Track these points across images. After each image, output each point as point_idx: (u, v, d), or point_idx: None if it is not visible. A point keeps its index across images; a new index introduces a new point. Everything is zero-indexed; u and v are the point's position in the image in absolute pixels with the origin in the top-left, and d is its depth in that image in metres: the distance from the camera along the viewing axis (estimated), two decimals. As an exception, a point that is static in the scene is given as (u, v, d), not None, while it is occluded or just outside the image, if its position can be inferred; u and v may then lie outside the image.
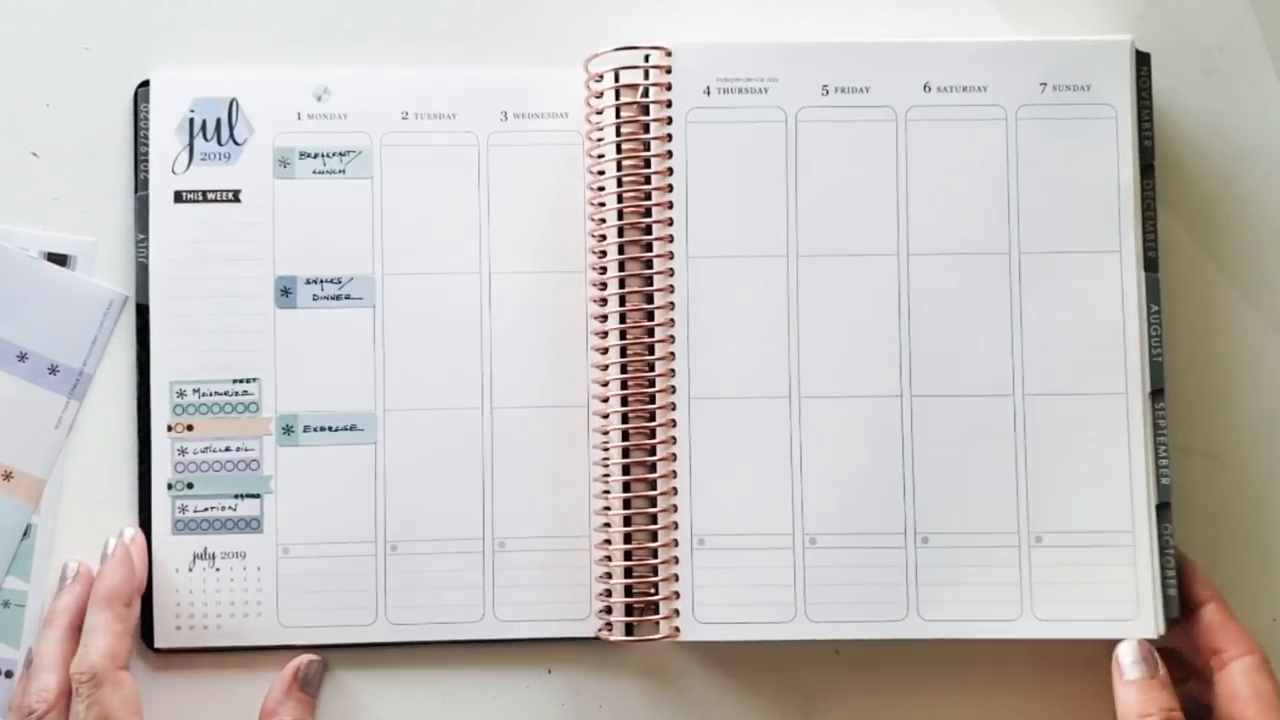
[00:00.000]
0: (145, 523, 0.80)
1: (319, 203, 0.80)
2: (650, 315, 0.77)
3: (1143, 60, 0.79)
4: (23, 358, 0.81)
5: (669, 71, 0.78)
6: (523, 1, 0.83)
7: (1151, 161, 0.79)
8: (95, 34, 0.83)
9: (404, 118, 0.80)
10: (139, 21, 0.83)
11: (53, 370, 0.81)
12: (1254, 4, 0.82)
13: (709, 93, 0.78)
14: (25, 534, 0.80)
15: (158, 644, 0.79)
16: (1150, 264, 0.78)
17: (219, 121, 0.80)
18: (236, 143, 0.80)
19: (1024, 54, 0.78)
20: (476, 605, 0.79)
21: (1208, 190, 0.82)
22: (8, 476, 0.80)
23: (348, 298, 0.80)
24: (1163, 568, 0.76)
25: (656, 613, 0.77)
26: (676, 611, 0.77)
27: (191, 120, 0.80)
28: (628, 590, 0.77)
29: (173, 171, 0.80)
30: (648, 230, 0.78)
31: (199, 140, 0.80)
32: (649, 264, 0.78)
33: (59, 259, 0.81)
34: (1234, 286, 0.82)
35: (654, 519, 0.77)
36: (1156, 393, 0.78)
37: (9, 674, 0.80)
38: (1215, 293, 0.82)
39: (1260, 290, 0.82)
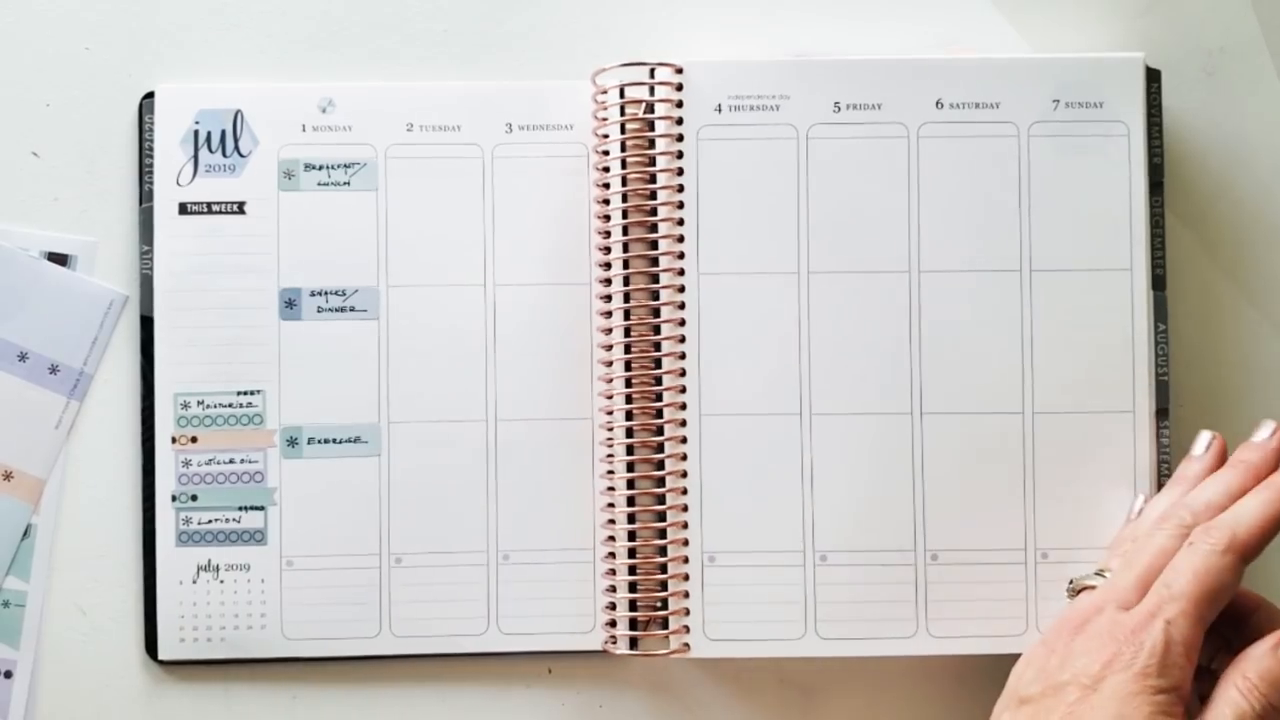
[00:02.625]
0: (149, 534, 0.80)
1: (324, 215, 0.80)
2: (657, 330, 0.77)
3: (1153, 77, 0.79)
4: (23, 357, 0.81)
5: (679, 89, 0.78)
6: (529, 13, 0.83)
7: (1161, 179, 0.79)
8: (95, 34, 0.82)
9: (409, 129, 0.80)
10: (140, 21, 0.82)
11: (53, 370, 0.81)
12: (1254, 4, 0.82)
13: (720, 110, 0.78)
14: (25, 534, 0.81)
15: (161, 655, 0.80)
16: (1158, 282, 0.78)
17: (224, 133, 0.80)
18: (241, 155, 0.80)
19: (1036, 71, 0.78)
20: (481, 618, 0.79)
21: (1208, 190, 0.82)
22: (8, 476, 0.80)
23: (352, 309, 0.80)
24: None
25: (664, 627, 0.77)
26: (686, 628, 0.77)
27: (196, 132, 0.80)
28: (633, 605, 0.77)
29: (177, 183, 0.80)
30: (655, 245, 0.78)
31: (204, 152, 0.80)
32: (656, 278, 0.78)
33: (59, 259, 0.81)
34: (1234, 286, 0.82)
35: (661, 533, 0.77)
36: (1161, 411, 0.78)
37: (9, 674, 0.80)
38: (1215, 292, 0.82)
39: (1260, 289, 0.82)
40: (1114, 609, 0.68)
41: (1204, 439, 0.76)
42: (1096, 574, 0.72)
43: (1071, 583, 0.73)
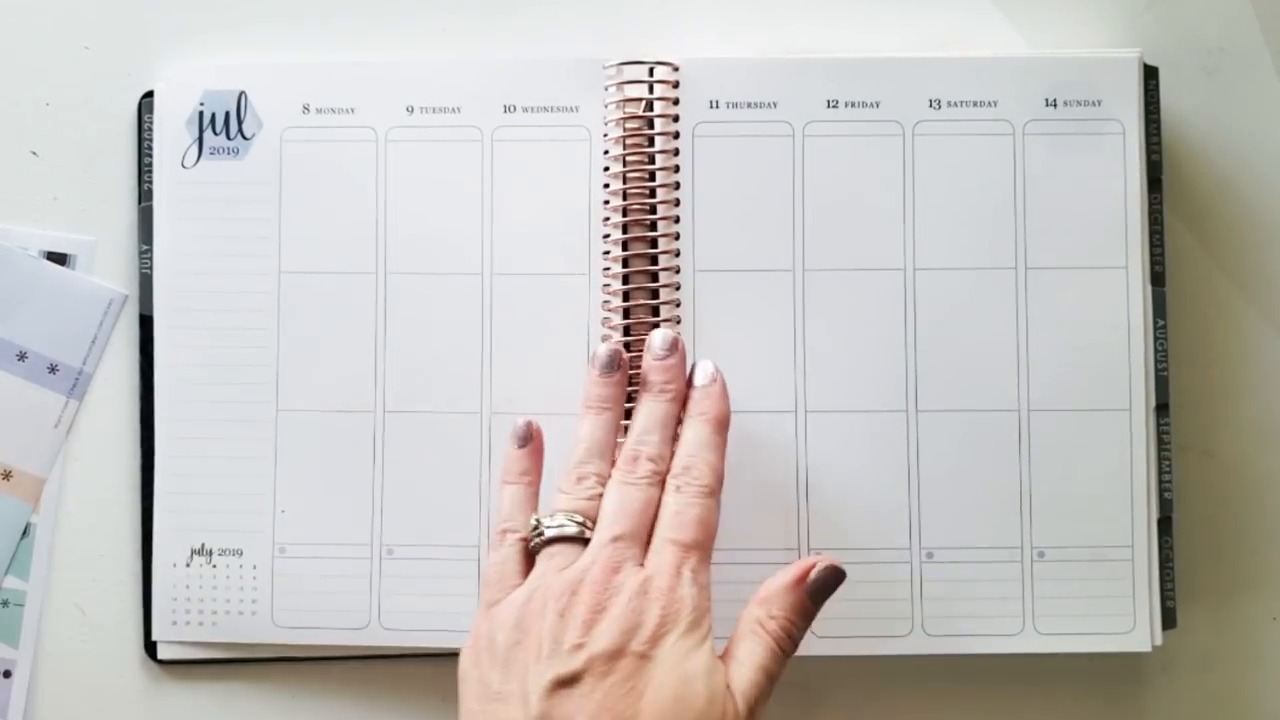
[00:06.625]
0: (148, 533, 0.81)
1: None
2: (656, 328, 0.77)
3: (1150, 74, 0.80)
4: (22, 357, 0.82)
5: (676, 86, 0.79)
6: (529, 11, 0.84)
7: (1160, 176, 0.80)
8: (95, 32, 0.83)
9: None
10: (139, 22, 0.83)
11: (52, 369, 0.82)
12: (1254, 3, 0.83)
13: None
14: (25, 533, 0.82)
15: (155, 636, 0.81)
16: (1157, 278, 0.79)
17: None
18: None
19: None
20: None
21: (1207, 188, 0.82)
22: (7, 475, 0.81)
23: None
24: (1163, 581, 0.78)
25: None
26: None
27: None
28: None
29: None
30: (654, 244, 0.78)
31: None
32: (655, 277, 0.78)
33: (59, 258, 0.82)
34: (1233, 285, 0.82)
35: (658, 530, 0.78)
36: (1161, 407, 0.79)
37: (8, 674, 0.81)
38: (1214, 291, 0.82)
39: (1259, 288, 0.82)
40: (631, 565, 0.69)
41: (604, 354, 0.75)
42: (573, 525, 0.71)
43: (538, 529, 0.71)
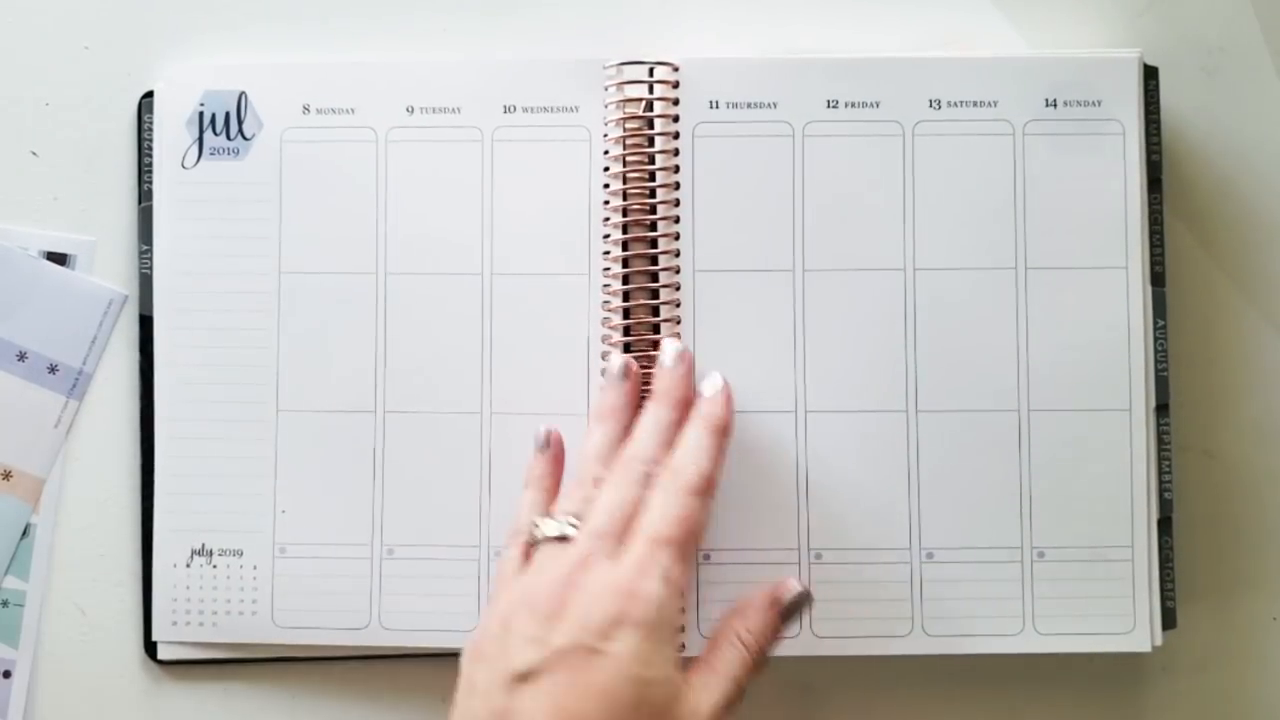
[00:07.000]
0: (147, 533, 0.81)
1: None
2: (656, 329, 0.78)
3: (1150, 74, 0.80)
4: (22, 357, 0.82)
5: (676, 86, 0.79)
6: (530, 10, 0.84)
7: (1160, 176, 0.80)
8: (95, 32, 0.84)
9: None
10: (139, 22, 0.84)
11: (52, 369, 0.82)
12: (1254, 3, 0.83)
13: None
14: (24, 533, 0.82)
15: (155, 636, 0.81)
16: (1157, 278, 0.79)
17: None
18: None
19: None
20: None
21: (1207, 188, 0.82)
22: (7, 476, 0.82)
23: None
24: (1163, 581, 0.78)
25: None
26: (682, 627, 0.77)
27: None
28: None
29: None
30: (654, 244, 0.79)
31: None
32: (655, 277, 0.79)
33: (58, 258, 0.82)
34: (1233, 285, 0.82)
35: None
36: (1161, 407, 0.79)
37: (8, 674, 0.81)
38: (1214, 291, 0.82)
39: (1259, 288, 0.82)
40: (602, 561, 0.69)
41: (614, 365, 0.77)
42: (566, 526, 0.71)
43: (537, 529, 0.72)
